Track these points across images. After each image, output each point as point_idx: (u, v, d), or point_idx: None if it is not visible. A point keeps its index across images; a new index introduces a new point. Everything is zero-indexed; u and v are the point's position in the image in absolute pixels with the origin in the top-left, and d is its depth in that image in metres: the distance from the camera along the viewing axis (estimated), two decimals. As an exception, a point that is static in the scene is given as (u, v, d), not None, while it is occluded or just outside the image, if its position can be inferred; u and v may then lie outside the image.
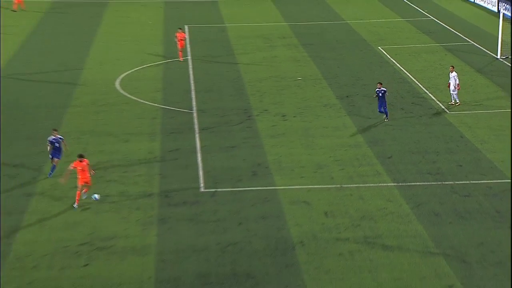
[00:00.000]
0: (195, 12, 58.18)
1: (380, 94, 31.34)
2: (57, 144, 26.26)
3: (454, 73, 33.61)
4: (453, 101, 33.88)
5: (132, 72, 40.55)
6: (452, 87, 33.66)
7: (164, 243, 21.95)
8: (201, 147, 29.46)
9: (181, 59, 41.86)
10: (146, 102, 35.19)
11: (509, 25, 44.41)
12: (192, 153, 28.75)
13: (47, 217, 23.59)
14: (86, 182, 24.12)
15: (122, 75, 39.67)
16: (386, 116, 31.57)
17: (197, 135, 30.78)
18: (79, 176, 24.07)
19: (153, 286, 19.76)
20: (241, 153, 28.81)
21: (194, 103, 35.28)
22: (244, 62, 42.74)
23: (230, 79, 39.37)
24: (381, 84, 31.73)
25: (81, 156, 24.16)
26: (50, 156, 26.39)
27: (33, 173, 26.87)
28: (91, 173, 24.41)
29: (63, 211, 24.02)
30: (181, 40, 41.80)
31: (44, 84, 38.21)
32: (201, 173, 26.97)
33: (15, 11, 55.71)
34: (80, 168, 23.99)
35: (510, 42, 42.95)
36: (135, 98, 35.62)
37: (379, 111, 31.67)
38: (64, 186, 25.84)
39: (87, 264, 20.86)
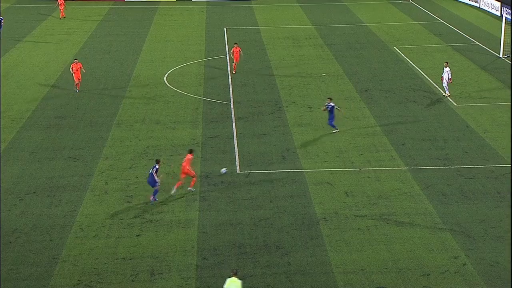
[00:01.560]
0: (233, 16, 58.02)
1: (329, 109, 28.70)
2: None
3: (447, 68, 33.17)
4: (445, 92, 33.35)
5: (177, 68, 40.63)
6: (444, 81, 33.19)
7: (205, 217, 22.04)
8: (237, 134, 29.44)
9: (234, 71, 38.32)
10: (190, 95, 35.26)
11: (510, 27, 43.47)
12: (229, 140, 28.76)
13: (105, 193, 23.84)
14: (186, 173, 23.09)
15: (169, 71, 39.77)
16: (334, 128, 28.72)
17: (233, 124, 30.77)
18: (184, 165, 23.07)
19: (195, 255, 19.87)
20: (272, 140, 28.74)
21: (231, 95, 35.25)
22: (275, 60, 42.54)
23: (263, 75, 39.23)
24: (331, 99, 28.88)
25: (190, 151, 23.39)
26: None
27: (94, 155, 27.15)
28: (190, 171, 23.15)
29: (119, 189, 24.24)
30: (237, 54, 38.13)
31: (103, 79, 38.50)
32: (237, 157, 26.97)
33: (63, 17, 55.64)
34: (185, 162, 23.08)
35: (510, 42, 42.07)
36: (180, 91, 35.72)
37: (329, 124, 28.97)
38: (120, 168, 26.09)
39: (139, 235, 21.04)
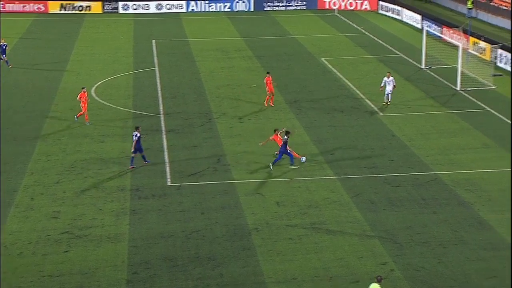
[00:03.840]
0: (161, 28, 57.70)
1: (136, 138, 26.30)
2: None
3: (391, 78, 34.51)
4: (387, 100, 34.50)
5: (106, 81, 40.00)
6: (390, 88, 34.30)
7: (136, 231, 21.71)
8: (168, 146, 29.22)
9: (269, 104, 34.30)
10: (119, 108, 34.75)
11: (431, 40, 45.09)
12: (160, 152, 28.50)
13: (31, 210, 23.12)
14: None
15: (97, 84, 39.09)
16: (144, 159, 26.88)
17: (164, 136, 30.52)
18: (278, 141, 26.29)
19: (126, 269, 19.52)
20: (203, 152, 28.67)
21: (161, 108, 34.97)
22: (205, 72, 42.56)
23: (193, 87, 39.16)
24: (138, 128, 26.73)
25: (275, 130, 26.76)
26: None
27: (19, 171, 26.30)
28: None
29: (45, 205, 23.57)
30: (270, 83, 34.16)
31: (28, 92, 37.42)
32: (168, 169, 26.75)
33: None
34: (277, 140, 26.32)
35: (432, 54, 43.63)
36: (109, 104, 35.15)
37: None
38: (46, 183, 25.39)
39: (67, 251, 20.50)
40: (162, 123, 32.37)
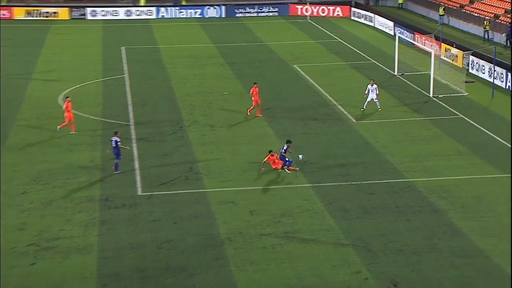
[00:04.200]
0: (131, 35, 57.44)
1: (114, 145, 26.72)
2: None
3: (375, 86, 34.89)
4: (379, 107, 35.00)
5: (74, 88, 39.64)
6: (374, 96, 34.71)
7: (105, 242, 21.50)
8: (138, 155, 29.03)
9: (256, 114, 33.92)
10: (87, 116, 34.45)
11: (403, 47, 45.62)
12: (130, 161, 28.29)
13: (-4, 222, 22.74)
14: (276, 167, 26.94)
15: (65, 92, 38.71)
16: (116, 168, 26.82)
17: (134, 145, 30.33)
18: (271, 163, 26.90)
19: (95, 281, 19.30)
20: (174, 160, 28.56)
21: (131, 116, 34.76)
22: (176, 79, 42.44)
23: (164, 94, 39.02)
24: (117, 133, 27.22)
25: (270, 151, 27.03)
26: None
27: (-18, 182, 25.89)
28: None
29: (11, 216, 23.21)
30: (256, 94, 33.73)
31: (-8, 100, 36.93)
32: (138, 178, 26.58)
33: None
34: (271, 161, 26.90)
35: (405, 61, 44.15)
36: (78, 112, 34.81)
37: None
38: (12, 193, 25.02)
39: (34, 263, 20.20)
40: (132, 132, 32.17)
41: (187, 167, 27.79)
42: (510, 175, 26.67)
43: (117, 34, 57.42)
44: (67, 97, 32.40)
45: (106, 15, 64.64)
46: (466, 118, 34.31)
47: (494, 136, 31.34)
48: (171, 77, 43.07)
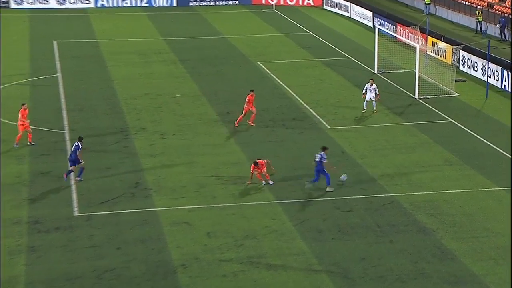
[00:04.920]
0: (64, 27, 57.06)
1: (79, 150, 27.47)
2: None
3: (374, 85, 35.69)
4: (366, 108, 35.87)
5: (-4, 90, 39.24)
6: (373, 95, 35.58)
7: (34, 272, 21.28)
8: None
9: (248, 122, 33.91)
10: (12, 123, 34.09)
11: (384, 40, 46.34)
12: (65, 176, 28.12)
13: None
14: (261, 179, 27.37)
15: (-14, 94, 38.29)
16: (68, 173, 27.72)
17: (69, 156, 30.13)
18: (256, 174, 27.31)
19: (24, 319, 19.11)
20: (118, 174, 28.45)
21: (65, 122, 34.54)
22: (119, 79, 42.30)
23: (105, 97, 38.86)
24: (81, 139, 28.06)
25: (255, 162, 27.08)
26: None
27: None
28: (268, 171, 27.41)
29: None
30: (251, 103, 33.71)
31: None
32: (74, 196, 26.41)
33: None
34: (257, 172, 27.10)
35: (386, 57, 44.82)
36: (1, 119, 34.44)
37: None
38: None
39: (-51, 300, 19.90)
40: (67, 141, 31.96)
41: (133, 182, 27.71)
42: (509, 188, 27.23)
43: (47, 26, 56.98)
44: (23, 104, 31.91)
45: (33, 3, 64.09)
46: (456, 123, 35.00)
47: (488, 143, 32.03)
48: (113, 76, 42.91)
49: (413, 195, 26.80)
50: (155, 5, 66.22)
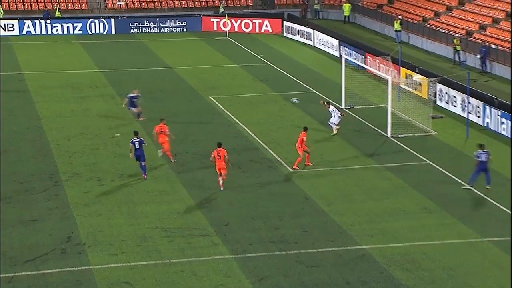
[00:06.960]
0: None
1: (138, 146, 32.09)
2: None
3: (332, 107, 38.98)
4: (334, 130, 38.63)
5: None
6: (336, 119, 38.55)
7: None
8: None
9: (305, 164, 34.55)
10: None
11: (352, 72, 46.96)
12: (-16, 229, 27.72)
13: None
14: (220, 169, 31.31)
15: None
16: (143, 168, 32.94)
17: (-10, 207, 29.77)
18: (216, 163, 31.21)
19: None
20: (46, 227, 28.13)
21: (-15, 167, 34.16)
22: (48, 117, 42.02)
23: (31, 137, 38.54)
24: (137, 133, 32.95)
25: (219, 144, 31.41)
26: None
27: None
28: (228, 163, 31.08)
29: None
30: (302, 141, 34.07)
31: None
32: (-5, 253, 26.01)
33: None
34: (217, 157, 31.16)
35: (354, 90, 45.35)
36: None
37: None
38: None
39: None
40: (-12, 189, 31.58)
41: (64, 236, 27.41)
42: (494, 238, 27.57)
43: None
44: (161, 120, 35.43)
45: (-51, 30, 63.57)
46: (434, 165, 35.46)
47: (470, 188, 32.46)
48: (41, 114, 42.63)
49: (387, 247, 26.97)
50: (90, 33, 66.26)
